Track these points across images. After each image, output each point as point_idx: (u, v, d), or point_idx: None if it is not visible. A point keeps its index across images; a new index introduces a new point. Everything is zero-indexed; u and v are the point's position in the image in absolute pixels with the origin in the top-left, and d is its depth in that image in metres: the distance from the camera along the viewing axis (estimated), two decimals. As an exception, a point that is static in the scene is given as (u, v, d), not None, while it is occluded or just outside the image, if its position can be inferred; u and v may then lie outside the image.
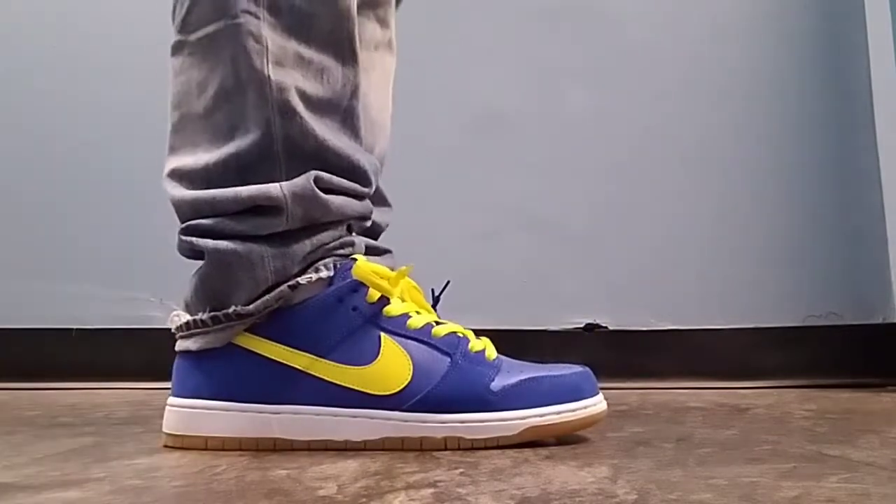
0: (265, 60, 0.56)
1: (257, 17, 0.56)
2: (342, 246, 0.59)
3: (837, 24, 1.26)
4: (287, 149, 0.56)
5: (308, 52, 0.57)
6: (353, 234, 0.62)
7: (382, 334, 0.55)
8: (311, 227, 0.57)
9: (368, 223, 0.64)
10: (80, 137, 1.28)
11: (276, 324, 0.56)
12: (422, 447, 0.53)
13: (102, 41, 1.30)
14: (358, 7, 0.75)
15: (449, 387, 0.54)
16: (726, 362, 1.16)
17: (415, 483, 0.38)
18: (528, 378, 0.56)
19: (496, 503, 0.36)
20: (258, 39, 0.56)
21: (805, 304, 1.19)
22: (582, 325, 1.20)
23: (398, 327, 0.56)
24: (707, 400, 0.90)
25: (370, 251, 0.75)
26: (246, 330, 0.56)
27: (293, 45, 0.57)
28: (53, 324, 1.20)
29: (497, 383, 0.55)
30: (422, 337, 0.56)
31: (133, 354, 1.16)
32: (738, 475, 0.42)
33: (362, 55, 0.76)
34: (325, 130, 0.58)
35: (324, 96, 0.58)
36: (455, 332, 0.58)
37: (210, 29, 0.58)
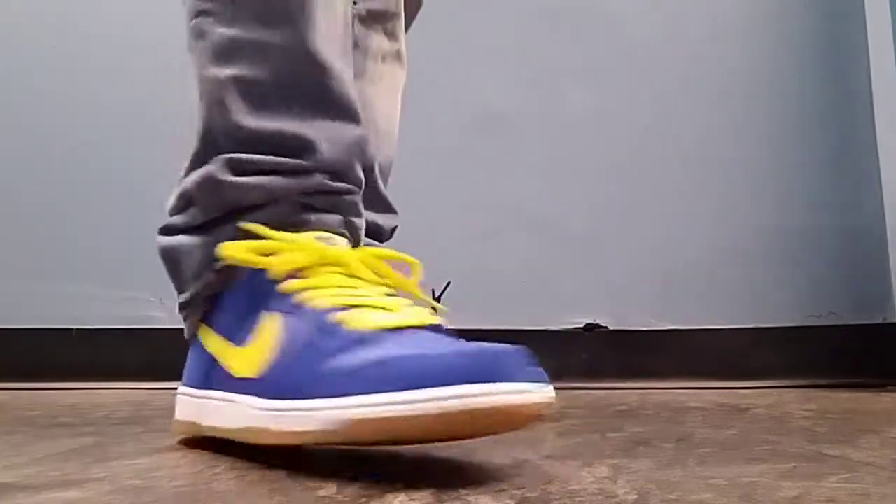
0: (207, 57, 0.56)
1: (210, 14, 0.56)
2: (283, 226, 0.54)
3: (837, 24, 1.26)
4: (225, 140, 0.56)
5: (260, 34, 0.55)
6: (314, 213, 0.56)
7: (267, 313, 0.50)
8: (234, 212, 0.55)
9: (351, 197, 0.58)
10: (80, 137, 1.28)
11: (211, 311, 0.55)
12: (270, 442, 0.45)
13: (103, 41, 1.30)
14: (366, 19, 0.76)
15: (294, 368, 0.46)
16: (726, 362, 1.16)
17: (415, 483, 0.38)
18: (384, 356, 0.42)
19: (496, 503, 0.36)
20: (204, 37, 0.56)
21: (805, 304, 1.19)
22: (582, 325, 1.20)
23: (285, 305, 0.49)
24: (707, 400, 0.90)
25: None
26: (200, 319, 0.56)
27: (243, 32, 0.55)
28: (53, 324, 1.21)
29: (340, 362, 0.43)
30: (301, 313, 0.48)
31: (133, 354, 1.16)
32: (738, 475, 0.42)
33: (369, 65, 0.77)
34: (263, 113, 0.55)
35: (268, 78, 0.55)
36: (344, 305, 0.47)
37: (186, 34, 0.59)
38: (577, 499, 0.37)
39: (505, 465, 0.46)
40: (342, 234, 0.56)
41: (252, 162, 0.55)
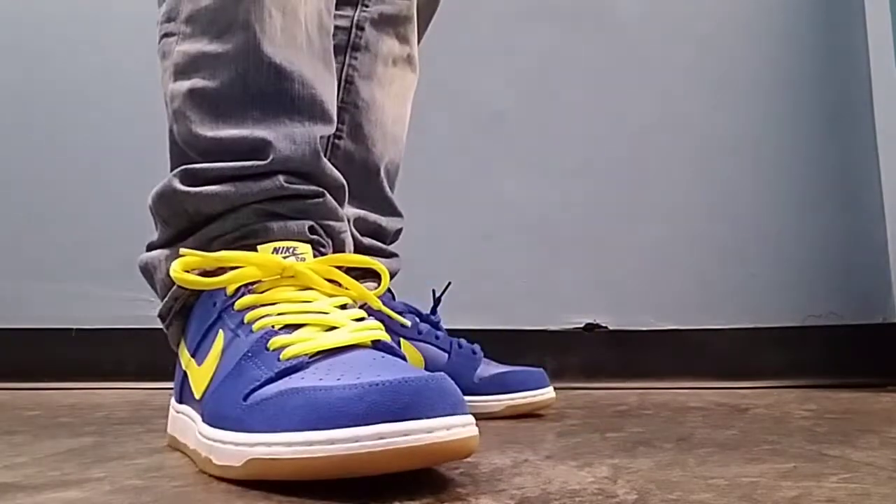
0: (170, 74, 0.57)
1: (172, 35, 0.57)
2: (245, 236, 0.53)
3: (837, 26, 1.26)
4: (189, 151, 0.55)
5: (214, 47, 0.55)
6: (277, 220, 0.54)
7: (220, 331, 0.48)
8: (198, 223, 0.54)
9: (321, 200, 0.56)
10: (80, 137, 1.28)
11: (186, 324, 0.54)
12: (215, 474, 0.43)
13: (104, 42, 1.30)
14: (378, 22, 0.77)
15: (223, 394, 0.44)
16: (726, 362, 1.16)
17: (415, 483, 0.38)
18: (293, 389, 0.39)
19: (496, 503, 0.36)
20: (167, 56, 0.57)
21: (805, 304, 1.19)
22: (582, 325, 1.20)
23: (234, 322, 0.47)
24: (707, 400, 0.90)
25: (377, 254, 0.76)
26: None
27: (199, 47, 0.56)
28: (53, 324, 1.21)
29: (258, 393, 0.41)
30: (244, 333, 0.46)
31: (133, 354, 1.16)
32: (738, 475, 0.42)
33: (379, 68, 0.78)
34: (221, 121, 0.55)
35: (223, 87, 0.55)
36: (287, 325, 0.45)
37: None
38: (577, 499, 0.37)
39: (505, 465, 0.46)
40: (308, 241, 0.53)
41: (208, 170, 0.54)
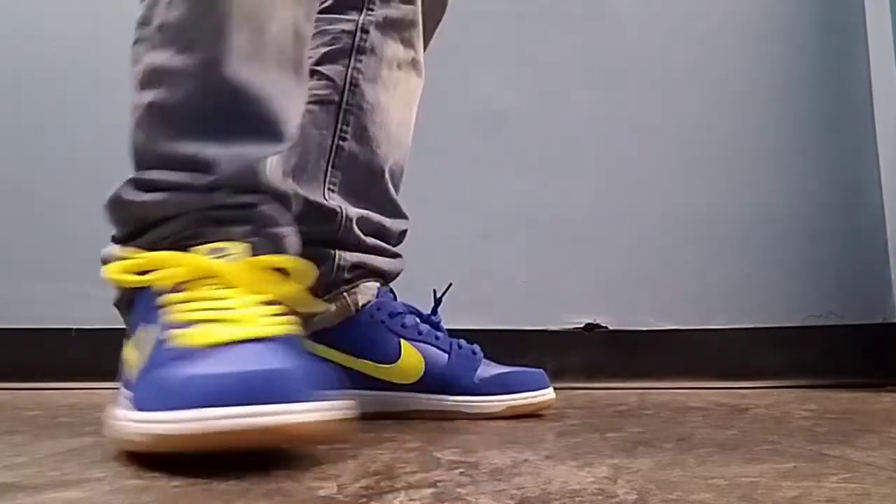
0: (135, 83, 0.59)
1: (143, 41, 0.59)
2: (187, 238, 0.55)
3: (837, 26, 1.26)
4: (143, 161, 0.59)
5: (179, 60, 0.57)
6: (218, 226, 0.56)
7: (147, 324, 0.53)
8: (145, 227, 0.57)
9: (264, 208, 0.59)
10: (80, 137, 1.28)
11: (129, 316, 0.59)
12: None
13: (103, 42, 1.30)
14: (383, 26, 0.77)
15: (142, 377, 0.50)
16: (726, 362, 1.16)
17: (415, 483, 0.38)
18: (187, 374, 0.44)
19: (496, 503, 0.36)
20: (135, 63, 0.59)
21: (805, 304, 1.19)
22: (582, 325, 1.20)
23: (155, 317, 0.52)
24: (707, 400, 0.90)
25: (381, 254, 0.77)
26: None
27: (164, 58, 0.57)
28: (53, 324, 1.21)
29: (155, 375, 0.47)
30: (160, 326, 0.50)
31: (133, 354, 1.16)
32: (738, 475, 0.42)
33: (384, 72, 0.78)
34: (174, 136, 0.57)
35: (179, 103, 0.57)
36: (192, 321, 0.49)
37: None
38: (577, 499, 0.37)
39: (505, 465, 0.46)
40: (247, 244, 0.56)
41: (156, 181, 0.57)
